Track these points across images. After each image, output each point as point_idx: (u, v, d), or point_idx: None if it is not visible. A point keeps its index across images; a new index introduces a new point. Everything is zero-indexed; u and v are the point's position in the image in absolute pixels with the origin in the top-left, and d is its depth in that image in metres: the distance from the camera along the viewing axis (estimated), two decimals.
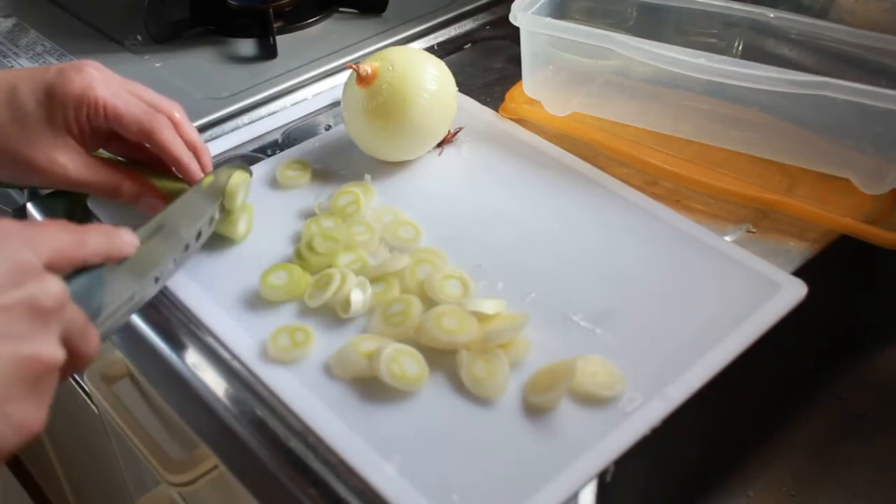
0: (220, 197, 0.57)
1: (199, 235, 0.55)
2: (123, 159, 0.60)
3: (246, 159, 0.67)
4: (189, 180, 0.58)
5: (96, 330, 0.43)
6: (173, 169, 0.58)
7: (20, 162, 0.54)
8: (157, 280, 0.51)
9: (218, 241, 0.59)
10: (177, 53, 0.79)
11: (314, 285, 0.54)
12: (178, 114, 0.58)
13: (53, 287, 0.38)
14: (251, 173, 0.61)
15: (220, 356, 0.52)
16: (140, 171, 0.59)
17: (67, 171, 0.55)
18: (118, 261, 0.46)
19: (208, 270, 0.57)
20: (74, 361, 0.41)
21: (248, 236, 0.59)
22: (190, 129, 0.59)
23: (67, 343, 0.39)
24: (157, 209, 0.57)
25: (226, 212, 0.58)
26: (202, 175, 0.58)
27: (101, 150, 0.59)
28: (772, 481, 0.62)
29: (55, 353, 0.38)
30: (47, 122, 0.54)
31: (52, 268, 0.40)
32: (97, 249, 0.44)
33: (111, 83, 0.56)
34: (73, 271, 0.43)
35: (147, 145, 0.57)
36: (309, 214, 0.61)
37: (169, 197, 0.58)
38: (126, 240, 0.46)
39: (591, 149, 0.67)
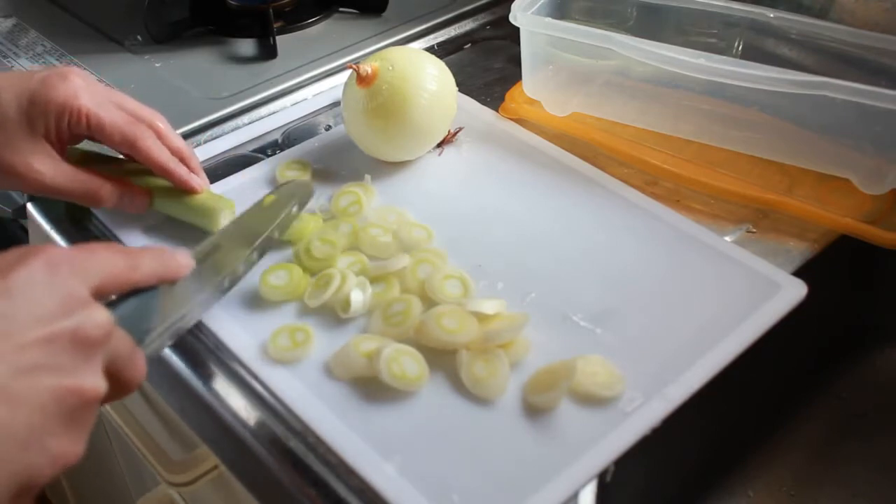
0: (280, 216, 0.56)
1: (256, 253, 0.54)
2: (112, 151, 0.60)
3: (246, 159, 0.67)
4: (178, 185, 0.58)
5: (143, 353, 0.42)
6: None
7: None
8: (208, 301, 0.50)
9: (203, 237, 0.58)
10: (177, 53, 0.79)
11: (314, 285, 0.54)
12: (161, 123, 0.58)
13: (99, 317, 0.37)
14: (312, 193, 0.60)
15: (220, 356, 0.52)
16: (126, 168, 0.59)
17: (44, 177, 0.54)
18: (172, 283, 0.46)
19: None
20: (119, 389, 0.40)
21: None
22: (174, 136, 0.59)
23: (112, 371, 0.39)
24: (143, 208, 0.58)
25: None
26: (191, 178, 0.58)
27: (85, 142, 0.59)
28: (772, 481, 0.62)
29: (98, 385, 0.37)
30: (27, 127, 0.54)
31: (102, 292, 0.39)
32: (151, 273, 0.44)
33: (95, 93, 0.56)
34: (125, 293, 0.43)
35: (130, 154, 0.57)
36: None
37: (155, 193, 0.58)
38: (181, 262, 0.46)
39: (591, 149, 0.67)
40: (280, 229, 0.56)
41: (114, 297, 0.43)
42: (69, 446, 0.36)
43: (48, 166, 0.55)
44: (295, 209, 0.57)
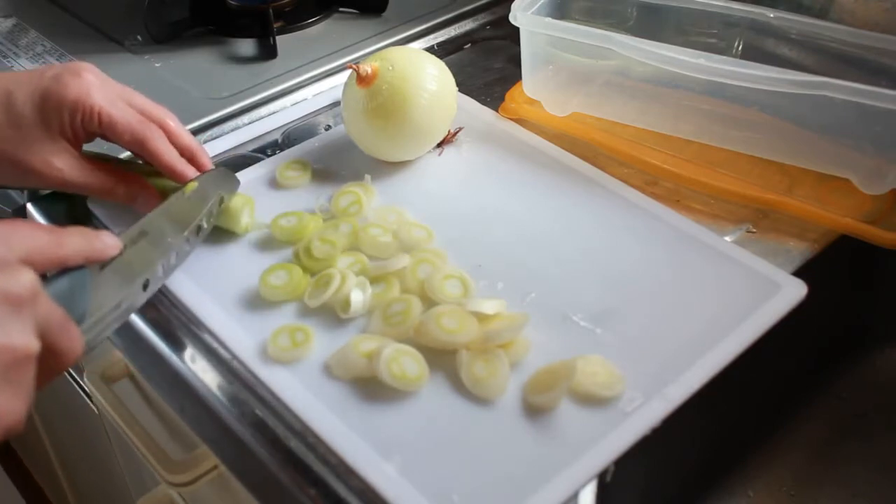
0: (207, 205, 0.56)
1: (187, 243, 0.55)
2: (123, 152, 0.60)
3: (246, 159, 0.67)
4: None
5: (79, 330, 0.42)
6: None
7: (17, 165, 0.55)
8: (145, 287, 0.50)
9: (219, 239, 0.59)
10: (177, 53, 0.79)
11: (314, 285, 0.54)
12: (172, 122, 0.59)
13: (24, 277, 0.38)
14: (237, 183, 0.60)
15: (220, 356, 0.52)
16: (137, 168, 0.60)
17: (63, 174, 0.55)
18: (100, 263, 0.46)
19: (208, 270, 0.57)
20: (56, 358, 0.40)
21: (250, 231, 0.59)
22: (185, 134, 0.59)
23: (46, 339, 0.39)
24: (155, 206, 0.58)
25: (222, 219, 0.57)
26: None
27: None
28: (772, 481, 0.62)
29: (28, 341, 0.38)
30: (43, 125, 0.54)
31: (28, 264, 0.39)
32: (76, 250, 0.44)
33: (108, 90, 0.56)
34: (56, 273, 0.43)
35: (139, 154, 0.57)
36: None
37: (165, 192, 0.58)
38: (107, 242, 0.46)
39: (591, 149, 0.67)
40: (208, 217, 0.56)
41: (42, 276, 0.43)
42: (8, 405, 0.37)
43: (66, 162, 0.55)
44: (224, 198, 0.58)
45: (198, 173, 0.58)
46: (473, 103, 0.72)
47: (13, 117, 0.54)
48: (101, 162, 0.58)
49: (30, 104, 0.54)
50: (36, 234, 0.41)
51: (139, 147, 0.56)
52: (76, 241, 0.44)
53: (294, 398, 0.49)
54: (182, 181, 0.58)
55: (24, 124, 0.54)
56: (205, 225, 0.56)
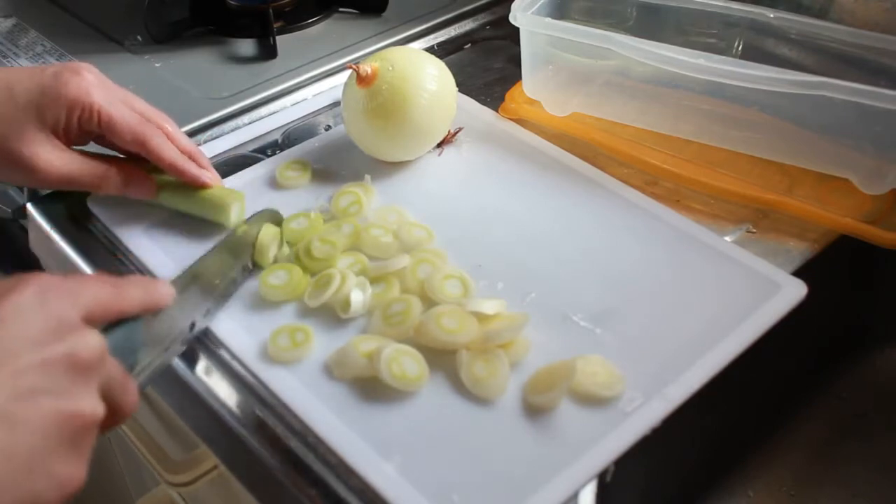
0: (253, 247, 0.56)
1: (233, 283, 0.55)
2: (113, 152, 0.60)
3: (246, 159, 0.67)
4: (189, 182, 0.58)
5: (134, 380, 0.42)
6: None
7: (8, 159, 0.54)
8: (192, 328, 0.51)
9: (212, 230, 0.58)
10: (177, 53, 0.79)
11: (314, 285, 0.54)
12: (170, 126, 0.59)
13: (93, 341, 0.38)
14: (282, 220, 0.60)
15: (220, 356, 0.52)
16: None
17: (53, 168, 0.55)
18: (155, 312, 0.46)
19: None
20: (114, 415, 0.40)
21: (240, 224, 0.59)
22: (183, 138, 0.59)
23: (107, 397, 0.39)
24: (150, 194, 0.58)
25: (254, 265, 0.57)
26: (202, 174, 0.58)
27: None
28: (772, 481, 0.62)
29: (95, 408, 0.38)
30: (37, 121, 0.54)
31: (90, 320, 0.40)
32: (135, 301, 0.44)
33: (107, 90, 0.56)
34: (111, 324, 0.43)
35: (140, 153, 0.57)
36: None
37: (164, 189, 0.58)
38: (163, 291, 0.47)
39: (591, 149, 0.67)
40: (252, 257, 0.56)
41: (99, 329, 0.43)
42: (72, 471, 0.36)
43: (56, 156, 0.55)
44: (261, 240, 0.57)
45: (200, 173, 0.58)
46: (473, 103, 0.72)
47: (10, 112, 0.54)
48: (91, 154, 0.58)
49: (25, 100, 0.54)
50: (99, 287, 0.41)
51: (140, 146, 0.56)
52: (135, 293, 0.44)
53: (294, 398, 0.48)
54: (187, 177, 0.58)
55: (19, 119, 0.54)
56: (250, 265, 0.56)
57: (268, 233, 0.57)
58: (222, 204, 0.58)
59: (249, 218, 0.59)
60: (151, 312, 0.46)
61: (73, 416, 0.36)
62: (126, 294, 0.43)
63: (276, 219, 0.60)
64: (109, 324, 0.43)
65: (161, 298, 0.46)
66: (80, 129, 0.55)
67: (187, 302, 0.50)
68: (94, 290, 0.41)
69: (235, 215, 0.59)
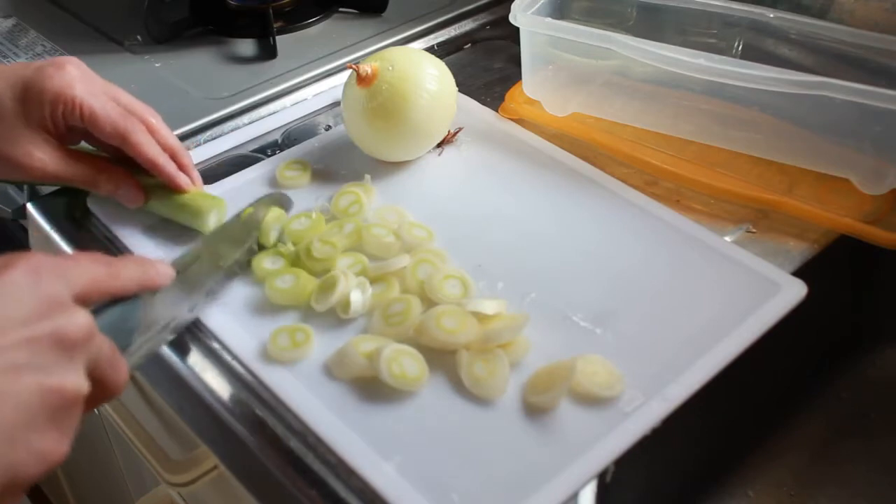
0: (258, 229, 0.57)
1: (238, 266, 0.55)
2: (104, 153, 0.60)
3: (246, 159, 0.67)
4: (167, 181, 0.58)
5: (126, 360, 0.43)
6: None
7: None
8: (191, 309, 0.51)
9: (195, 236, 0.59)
10: (177, 53, 0.79)
11: (318, 289, 0.54)
12: (154, 118, 0.59)
13: (80, 319, 0.38)
14: (290, 205, 0.61)
15: (221, 356, 0.52)
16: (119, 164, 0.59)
17: (45, 165, 0.55)
18: (153, 291, 0.46)
19: None
20: (102, 392, 0.41)
21: (247, 207, 0.59)
22: (166, 132, 0.59)
23: (95, 374, 0.40)
24: (137, 200, 0.58)
25: (259, 246, 0.57)
26: (178, 176, 0.58)
27: (83, 143, 0.60)
28: (772, 481, 0.62)
29: (79, 384, 0.38)
30: (24, 117, 0.54)
31: (85, 299, 0.40)
32: (131, 281, 0.44)
33: (90, 84, 0.56)
34: (108, 302, 0.44)
35: (121, 147, 0.57)
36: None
37: (149, 190, 0.58)
38: (161, 271, 0.47)
39: (591, 149, 0.67)
40: (256, 239, 0.57)
41: (96, 306, 0.43)
42: (53, 445, 0.37)
43: (47, 154, 0.55)
44: (266, 222, 0.58)
45: (179, 174, 0.58)
46: (473, 103, 0.72)
47: None
48: (83, 153, 0.58)
49: (11, 95, 0.54)
50: (93, 267, 0.42)
51: (121, 140, 0.56)
52: (131, 272, 0.44)
53: (294, 398, 0.49)
54: (163, 175, 0.58)
55: (5, 116, 0.54)
56: (255, 248, 0.57)
57: (273, 215, 0.57)
58: (200, 210, 0.58)
59: (256, 200, 0.59)
60: (149, 292, 0.46)
61: (55, 390, 0.37)
62: (121, 273, 0.43)
63: (282, 201, 0.60)
64: (108, 302, 0.44)
65: (158, 278, 0.46)
66: (65, 122, 0.55)
67: (188, 282, 0.50)
68: (87, 268, 0.41)
69: (214, 222, 0.59)
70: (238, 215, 0.57)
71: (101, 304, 0.43)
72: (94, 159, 0.58)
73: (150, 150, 0.57)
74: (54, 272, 0.39)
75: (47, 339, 0.37)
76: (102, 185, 0.58)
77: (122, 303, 0.44)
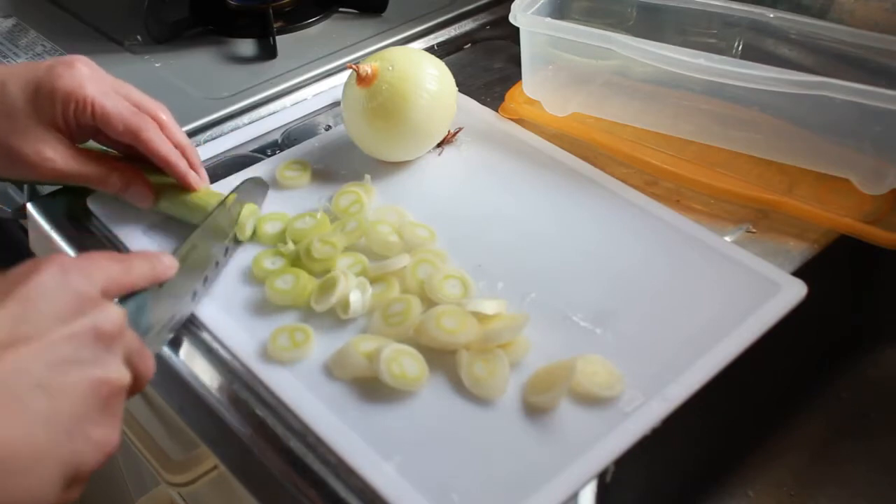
0: (236, 224, 0.58)
1: (226, 252, 0.57)
2: (114, 151, 0.61)
3: (246, 159, 0.67)
4: (178, 179, 0.58)
5: (148, 349, 0.44)
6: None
7: (9, 155, 0.55)
8: (193, 297, 0.53)
9: None
10: (177, 53, 0.79)
11: (318, 289, 0.54)
12: (165, 115, 0.59)
13: (113, 313, 0.40)
14: (266, 189, 0.63)
15: (220, 356, 0.52)
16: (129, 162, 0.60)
17: (56, 164, 0.56)
18: (160, 284, 0.48)
19: None
20: (136, 382, 0.43)
21: (251, 240, 0.60)
22: (176, 129, 0.59)
23: (129, 364, 0.42)
24: (147, 199, 0.58)
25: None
26: (189, 174, 0.58)
27: (90, 143, 0.60)
28: (772, 481, 0.62)
29: (122, 374, 0.40)
30: (35, 116, 0.55)
31: (105, 295, 0.42)
32: (143, 275, 0.46)
33: (100, 81, 0.56)
34: (122, 297, 0.46)
35: (133, 144, 0.57)
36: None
37: (158, 189, 0.58)
38: (167, 263, 0.49)
39: (591, 149, 0.67)
40: (238, 227, 0.58)
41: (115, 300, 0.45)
42: (108, 434, 0.39)
43: (59, 152, 0.56)
44: (257, 206, 0.60)
45: (190, 171, 0.58)
46: (473, 103, 0.72)
47: (6, 107, 0.54)
48: (94, 152, 0.58)
49: (22, 94, 0.55)
50: (110, 264, 0.44)
51: (133, 137, 0.56)
52: (142, 266, 0.47)
53: (294, 398, 0.49)
54: (175, 173, 0.58)
55: (17, 114, 0.55)
56: (238, 235, 0.58)
57: (247, 211, 0.58)
58: (240, 219, 0.58)
59: (238, 186, 0.59)
60: (157, 283, 0.48)
61: (102, 382, 0.39)
62: (134, 269, 0.46)
63: (261, 188, 0.62)
64: (121, 297, 0.45)
65: (165, 270, 0.49)
66: (77, 121, 0.56)
67: (189, 271, 0.52)
68: (105, 265, 0.43)
69: (250, 230, 0.59)
70: (223, 203, 0.57)
71: (116, 298, 0.45)
72: (105, 158, 0.59)
73: (163, 147, 0.57)
74: (79, 270, 0.41)
75: (87, 333, 0.39)
76: (113, 184, 0.58)
77: (134, 296, 0.46)
